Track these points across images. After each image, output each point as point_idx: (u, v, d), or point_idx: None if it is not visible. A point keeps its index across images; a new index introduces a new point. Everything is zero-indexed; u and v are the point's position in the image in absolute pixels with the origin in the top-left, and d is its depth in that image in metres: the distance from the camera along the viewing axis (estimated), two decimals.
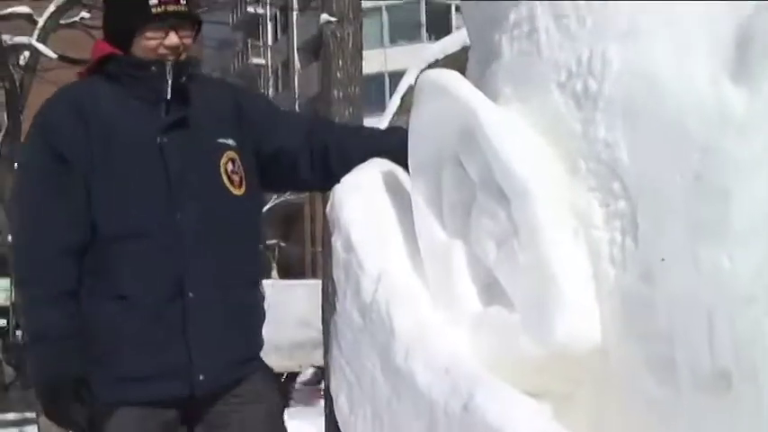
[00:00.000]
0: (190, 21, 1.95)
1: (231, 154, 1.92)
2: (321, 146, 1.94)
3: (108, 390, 1.80)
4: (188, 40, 1.93)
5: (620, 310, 1.02)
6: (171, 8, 1.88)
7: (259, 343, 1.99)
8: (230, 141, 1.93)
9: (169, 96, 1.89)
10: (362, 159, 1.61)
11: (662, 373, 0.96)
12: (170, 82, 1.88)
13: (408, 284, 1.29)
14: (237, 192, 1.91)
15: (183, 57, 1.93)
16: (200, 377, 1.82)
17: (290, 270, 24.62)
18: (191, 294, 1.82)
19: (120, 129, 1.86)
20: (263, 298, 2.00)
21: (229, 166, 1.91)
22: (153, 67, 1.88)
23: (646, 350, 0.99)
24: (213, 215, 1.87)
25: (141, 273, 1.80)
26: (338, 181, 1.54)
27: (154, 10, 1.86)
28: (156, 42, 1.89)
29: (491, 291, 1.18)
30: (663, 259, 0.96)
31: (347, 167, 1.65)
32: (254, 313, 1.96)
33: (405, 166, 1.55)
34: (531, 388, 1.09)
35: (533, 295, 1.07)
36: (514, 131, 1.13)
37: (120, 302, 1.81)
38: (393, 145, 1.65)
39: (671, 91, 1.01)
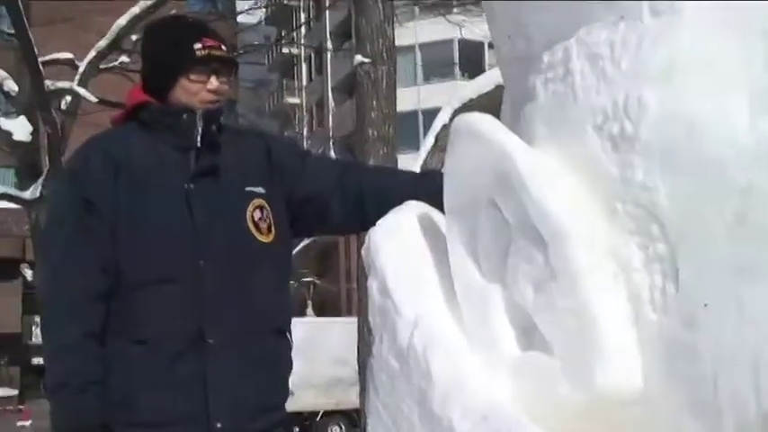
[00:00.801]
0: (230, 66, 1.99)
1: (259, 202, 1.93)
2: (355, 189, 1.94)
3: None
4: (225, 87, 1.97)
5: (662, 356, 1.00)
6: (215, 52, 1.92)
7: (283, 393, 1.97)
8: (259, 189, 1.94)
9: (199, 144, 1.91)
10: (398, 203, 1.61)
11: (706, 419, 0.94)
12: (200, 130, 1.91)
13: (445, 329, 1.28)
14: (264, 239, 1.91)
15: (220, 103, 1.96)
16: (218, 425, 1.81)
17: (326, 307, 24.63)
18: (210, 341, 1.82)
19: (148, 176, 1.89)
20: (290, 347, 1.98)
21: (256, 214, 1.92)
22: (184, 115, 1.91)
23: (689, 396, 0.96)
24: (238, 262, 1.87)
25: (163, 318, 1.82)
26: (372, 224, 1.54)
27: (198, 53, 1.90)
28: (199, 86, 1.92)
29: (529, 335, 1.17)
30: (705, 304, 0.94)
31: (382, 211, 1.65)
32: (279, 362, 1.94)
33: (440, 209, 1.55)
34: None
35: (573, 340, 1.05)
36: (550, 174, 1.13)
37: (141, 347, 1.82)
38: (429, 189, 1.66)
39: (709, 132, 1.00)
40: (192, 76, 1.91)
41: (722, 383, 0.92)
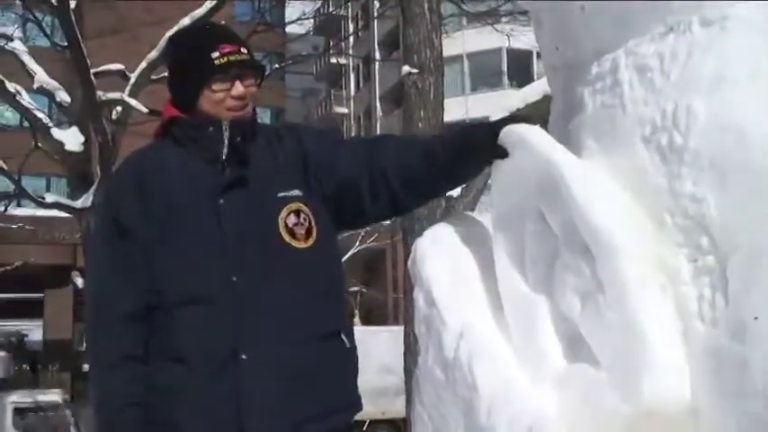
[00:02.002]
0: (253, 69, 1.95)
1: (295, 206, 1.88)
2: (379, 172, 1.90)
3: None
4: (253, 89, 1.93)
5: (711, 368, 0.99)
6: (234, 57, 1.88)
7: (339, 395, 1.92)
8: (294, 192, 1.89)
9: (224, 156, 1.89)
10: (419, 175, 1.62)
11: None
12: (226, 142, 1.89)
13: (491, 340, 1.28)
14: (301, 244, 1.86)
15: (248, 108, 1.94)
16: None
17: (372, 316, 24.61)
18: (243, 356, 1.79)
19: (180, 194, 1.87)
20: (346, 348, 1.93)
21: (291, 219, 1.86)
22: (210, 128, 1.90)
23: (739, 410, 0.95)
24: (271, 273, 1.83)
25: (198, 337, 1.80)
26: (404, 205, 1.53)
27: (217, 62, 1.87)
28: (223, 94, 1.89)
29: (576, 346, 1.16)
30: (756, 317, 0.93)
31: (408, 188, 1.65)
32: (330, 366, 1.90)
33: (461, 172, 1.57)
34: None
35: (621, 352, 1.04)
36: (598, 186, 1.13)
37: (179, 366, 1.81)
38: (442, 153, 1.68)
39: (759, 142, 0.99)
40: (215, 86, 1.87)
41: None
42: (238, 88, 1.90)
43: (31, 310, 23.56)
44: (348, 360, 1.91)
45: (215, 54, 1.88)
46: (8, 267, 19.54)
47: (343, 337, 1.90)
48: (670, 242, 1.05)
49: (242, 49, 1.92)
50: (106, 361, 1.86)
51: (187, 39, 2.05)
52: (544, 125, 1.41)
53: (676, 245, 1.04)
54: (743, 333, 0.95)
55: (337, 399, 1.89)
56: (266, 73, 2.08)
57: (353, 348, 1.92)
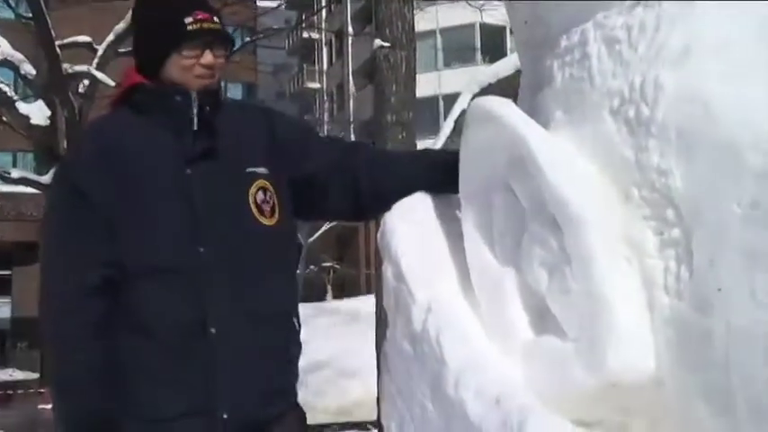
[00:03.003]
0: (224, 40, 1.93)
1: (262, 183, 1.86)
2: (350, 175, 1.89)
3: (136, 429, 1.78)
4: (221, 60, 1.90)
5: (675, 340, 1.00)
6: (206, 25, 1.85)
7: (291, 378, 1.92)
8: (261, 170, 1.87)
9: (196, 127, 1.86)
10: (392, 189, 1.60)
11: (718, 404, 0.94)
12: (195, 111, 1.86)
13: (459, 313, 1.28)
14: (268, 222, 1.85)
15: (215, 78, 1.91)
16: (224, 416, 1.77)
17: (345, 292, 24.68)
18: (213, 330, 1.77)
19: (145, 163, 1.83)
20: (297, 331, 1.93)
21: (259, 196, 1.85)
22: (178, 97, 1.86)
23: (701, 380, 0.96)
24: (240, 247, 1.82)
25: (165, 309, 1.76)
26: (368, 213, 1.53)
27: (190, 27, 1.83)
28: (192, 61, 1.85)
29: (543, 319, 1.17)
30: (719, 289, 0.94)
31: (376, 199, 1.63)
32: (288, 346, 1.90)
33: (436, 190, 1.55)
34: (584, 418, 1.07)
35: (587, 324, 1.05)
36: (566, 159, 1.12)
37: (144, 339, 1.77)
38: (421, 171, 1.66)
39: (725, 116, 0.99)
40: (185, 52, 1.83)
41: (735, 368, 0.92)
42: (208, 57, 1.87)
43: None
44: (298, 343, 1.92)
45: (188, 19, 1.85)
46: None
47: (295, 320, 1.91)
48: (636, 215, 1.05)
49: (215, 18, 1.89)
50: (65, 336, 1.80)
51: (159, 2, 2.01)
52: (515, 99, 1.41)
53: (643, 218, 1.05)
54: (707, 305, 0.96)
55: (291, 379, 1.90)
56: (237, 47, 2.06)
57: (300, 332, 1.93)
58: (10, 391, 14.63)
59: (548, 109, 1.26)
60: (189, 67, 1.85)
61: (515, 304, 1.22)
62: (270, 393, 1.81)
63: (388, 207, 1.59)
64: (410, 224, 1.45)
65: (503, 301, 1.23)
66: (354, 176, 1.86)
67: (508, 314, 1.22)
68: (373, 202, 1.71)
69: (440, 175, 1.55)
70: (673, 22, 1.10)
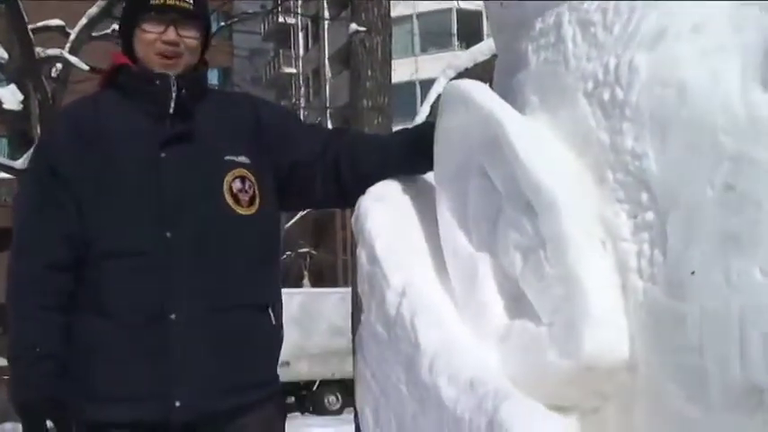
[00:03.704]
0: (195, 21, 1.89)
1: (240, 171, 1.83)
2: (332, 161, 1.87)
3: (88, 409, 1.76)
4: (190, 41, 1.86)
5: (649, 324, 1.00)
6: (171, 2, 1.83)
7: (263, 372, 1.87)
8: (241, 159, 1.84)
9: (172, 111, 1.84)
10: (372, 170, 1.59)
11: (692, 387, 0.94)
12: (174, 96, 1.84)
13: (434, 297, 1.27)
14: (243, 211, 1.82)
15: (184, 59, 1.88)
16: (177, 403, 1.74)
17: (322, 278, 24.67)
18: (172, 316, 1.74)
19: (119, 144, 1.81)
20: (272, 323, 1.90)
21: (236, 185, 1.82)
22: (157, 81, 1.84)
23: (675, 364, 0.96)
24: (209, 234, 1.78)
25: (126, 291, 1.74)
26: (352, 198, 1.51)
27: (153, 2, 1.82)
28: (154, 36, 1.83)
29: (518, 303, 1.17)
30: (693, 272, 0.94)
31: (358, 181, 1.62)
32: (257, 339, 1.86)
33: (417, 166, 1.54)
34: (558, 402, 1.07)
35: (561, 308, 1.05)
36: (541, 142, 1.12)
37: (103, 320, 1.75)
38: (399, 149, 1.66)
39: (699, 99, 0.99)
40: (146, 26, 1.82)
41: (708, 351, 0.92)
42: (170, 34, 1.84)
43: None
44: (272, 336, 1.89)
45: None
46: None
47: (271, 312, 1.88)
48: (611, 198, 1.05)
49: None
50: (23, 311, 1.79)
51: None
52: (490, 83, 1.40)
53: (617, 201, 1.04)
54: (680, 289, 0.96)
55: (259, 373, 1.87)
56: (213, 31, 2.03)
57: (279, 327, 1.90)
58: None
59: (523, 93, 1.26)
60: (150, 43, 1.83)
61: (490, 288, 1.21)
62: (231, 386, 1.78)
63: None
64: (385, 207, 1.45)
65: (477, 285, 1.22)
66: (336, 161, 1.85)
67: (482, 298, 1.22)
68: (356, 185, 1.71)
69: (419, 150, 1.54)
70: (647, 4, 1.09)
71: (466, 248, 1.26)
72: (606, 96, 1.07)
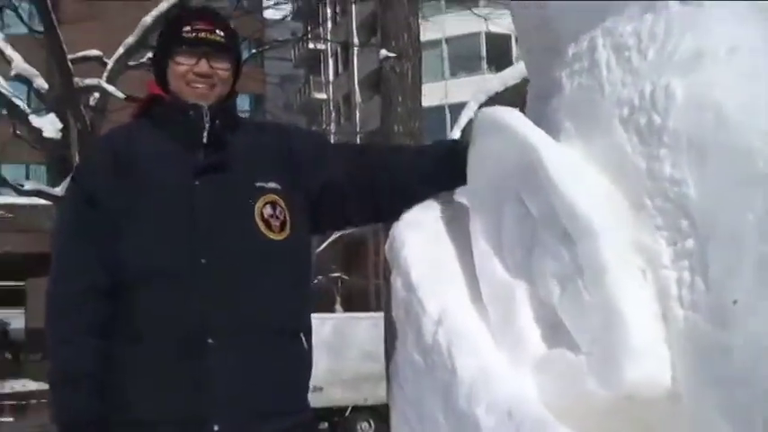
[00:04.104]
0: (226, 53, 1.93)
1: (271, 197, 1.86)
2: (366, 174, 1.89)
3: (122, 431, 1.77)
4: (222, 72, 1.90)
5: (692, 353, 0.98)
6: (203, 35, 1.86)
7: (296, 397, 1.89)
8: (272, 185, 1.87)
9: (206, 140, 1.87)
10: (408, 185, 1.60)
11: (738, 420, 0.92)
12: (207, 126, 1.87)
13: (470, 324, 1.26)
14: (275, 236, 1.83)
15: (216, 90, 1.91)
16: (215, 427, 1.75)
17: (354, 302, 24.62)
18: (210, 341, 1.76)
19: (153, 172, 1.84)
20: (305, 348, 1.90)
21: (267, 210, 1.84)
22: (190, 112, 1.87)
23: (720, 396, 0.94)
24: (243, 260, 1.80)
25: (162, 316, 1.76)
26: (387, 213, 1.52)
27: (185, 35, 1.86)
28: (186, 68, 1.87)
29: (555, 331, 1.15)
30: (735, 301, 0.92)
31: (394, 196, 1.63)
32: (291, 365, 1.87)
33: (451, 179, 1.55)
34: None
35: (600, 337, 1.03)
36: (577, 169, 1.11)
37: (140, 345, 1.77)
38: (433, 161, 1.67)
39: (737, 122, 0.97)
40: (179, 59, 1.86)
41: (755, 385, 0.90)
42: (203, 66, 1.87)
43: (13, 298, 23.42)
44: (304, 362, 1.90)
45: (186, 28, 1.88)
46: None
47: (302, 337, 1.88)
48: (649, 225, 1.04)
49: (218, 31, 1.89)
50: (62, 336, 1.81)
51: (173, 16, 2.03)
52: (522, 108, 1.40)
53: (656, 228, 1.03)
54: (723, 318, 0.94)
55: (292, 400, 1.87)
56: (243, 59, 2.05)
57: (310, 350, 1.90)
58: (23, 402, 14.67)
59: (557, 118, 1.25)
60: (183, 74, 1.86)
61: (526, 316, 1.20)
62: (268, 411, 1.79)
63: (406, 202, 1.60)
64: (419, 234, 1.44)
65: (514, 312, 1.21)
66: (371, 177, 1.87)
67: (519, 326, 1.20)
68: (392, 199, 1.70)
69: (455, 166, 1.53)
70: (682, 27, 1.08)
71: (501, 275, 1.25)
72: (642, 122, 1.06)
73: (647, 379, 0.99)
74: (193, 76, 1.87)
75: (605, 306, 1.02)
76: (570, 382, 1.07)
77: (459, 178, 1.46)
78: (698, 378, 0.97)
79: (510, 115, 1.21)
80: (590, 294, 1.05)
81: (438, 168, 1.65)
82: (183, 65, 1.86)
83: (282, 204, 1.85)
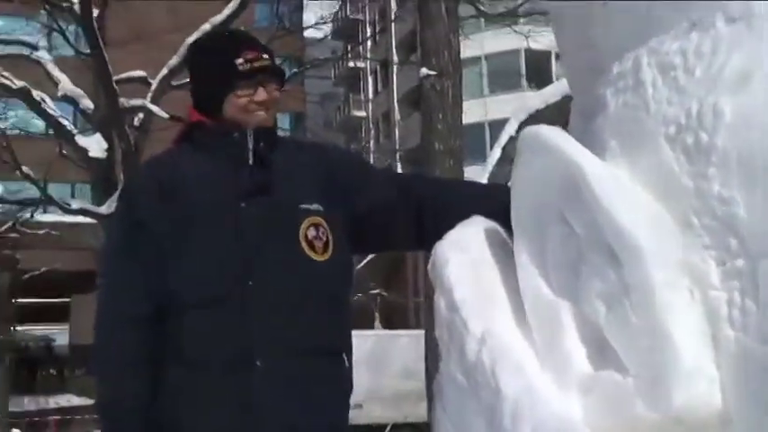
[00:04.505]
0: (277, 76, 1.97)
1: (314, 219, 1.87)
2: (415, 204, 1.90)
3: None
4: (275, 94, 1.95)
5: (743, 376, 0.96)
6: (257, 64, 1.90)
7: (338, 416, 1.91)
8: (315, 206, 1.88)
9: (251, 162, 1.89)
10: (459, 218, 1.58)
11: None
12: (251, 148, 1.89)
13: (514, 345, 1.25)
14: (318, 257, 1.85)
15: (271, 112, 1.94)
16: None
17: (393, 319, 24.58)
18: (258, 363, 1.78)
19: (200, 196, 1.87)
20: (347, 368, 1.92)
21: (311, 232, 1.86)
22: (235, 134, 1.90)
23: None
24: (288, 282, 1.82)
25: (211, 339, 1.78)
26: (432, 240, 1.51)
27: (241, 68, 1.89)
28: (247, 100, 1.90)
29: (601, 352, 1.14)
30: None
31: (441, 226, 1.62)
32: (334, 384, 1.88)
33: (504, 224, 1.52)
34: None
35: (649, 359, 1.02)
36: (622, 188, 1.10)
37: (188, 369, 1.79)
38: (492, 206, 1.59)
39: None
40: (239, 92, 1.89)
41: None
42: (261, 94, 1.91)
43: (58, 314, 23.82)
44: (347, 381, 1.91)
45: (239, 60, 1.90)
46: (35, 273, 19.75)
47: (345, 356, 1.90)
48: (697, 244, 1.02)
49: (264, 55, 1.93)
50: (111, 363, 1.84)
51: (210, 45, 2.07)
52: (565, 126, 1.39)
53: (704, 247, 1.02)
54: None
55: (336, 418, 1.88)
56: (286, 77, 2.09)
57: (351, 369, 1.92)
58: (68, 417, 14.89)
59: (601, 137, 1.24)
60: (244, 106, 1.90)
61: (572, 336, 1.19)
62: (314, 430, 1.80)
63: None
64: (462, 254, 1.44)
65: (559, 332, 1.20)
66: (419, 205, 1.88)
67: (565, 346, 1.19)
68: (440, 232, 1.71)
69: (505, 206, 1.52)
70: (730, 46, 1.07)
71: (546, 295, 1.24)
72: (690, 141, 1.05)
73: (696, 402, 0.97)
74: (254, 106, 1.90)
75: (653, 327, 1.01)
76: (617, 404, 1.05)
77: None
78: (748, 401, 0.95)
79: (554, 134, 1.20)
80: (637, 315, 1.03)
81: (489, 208, 1.60)
82: (243, 97, 1.90)
83: (325, 225, 1.87)
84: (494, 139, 9.54)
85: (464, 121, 5.84)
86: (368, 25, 32.38)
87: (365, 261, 22.71)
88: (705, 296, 1.00)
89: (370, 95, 38.29)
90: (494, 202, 1.60)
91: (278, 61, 2.23)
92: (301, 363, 1.78)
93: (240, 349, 1.76)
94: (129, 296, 1.82)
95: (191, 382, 1.77)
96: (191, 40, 9.94)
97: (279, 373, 1.76)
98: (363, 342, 13.73)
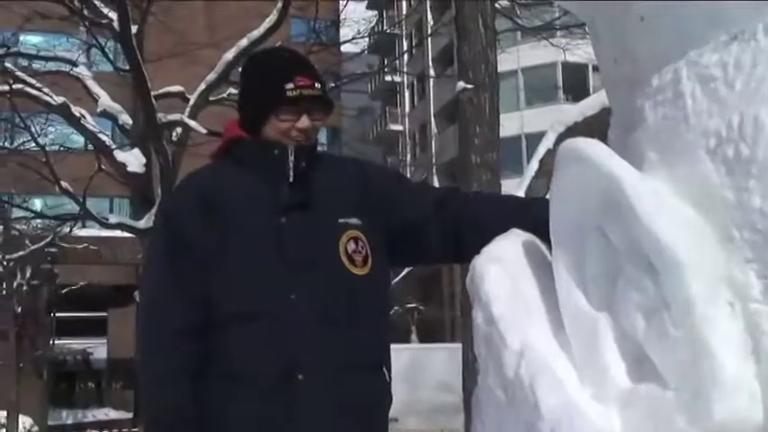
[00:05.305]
0: (324, 104, 1.97)
1: (354, 233, 1.89)
2: (453, 217, 1.90)
3: None
4: (319, 123, 1.96)
5: None
6: (306, 92, 1.91)
7: (381, 430, 1.91)
8: (354, 220, 1.90)
9: (291, 179, 1.91)
10: (497, 232, 1.57)
11: None
12: (292, 165, 1.91)
13: (553, 359, 1.25)
14: (358, 271, 1.87)
15: (311, 140, 1.96)
16: None
17: (430, 333, 24.51)
18: (301, 377, 1.79)
19: (241, 212, 1.88)
20: (387, 382, 1.92)
21: (350, 246, 1.87)
22: (276, 151, 1.91)
23: None
24: (330, 296, 1.83)
25: (254, 353, 1.80)
26: (470, 254, 1.51)
27: (289, 93, 1.90)
28: (289, 125, 1.92)
29: (641, 366, 1.13)
30: None
31: (478, 243, 1.62)
32: (375, 398, 1.89)
33: (543, 238, 1.51)
34: None
35: (689, 372, 1.01)
36: (661, 200, 1.10)
37: (232, 383, 1.80)
38: (531, 220, 1.58)
39: None
40: (282, 116, 1.90)
41: None
42: (304, 122, 1.93)
43: (96, 328, 24.15)
44: (387, 394, 1.92)
45: (289, 85, 1.91)
46: (73, 287, 20.05)
47: (384, 370, 1.91)
48: (738, 257, 1.01)
49: (316, 84, 1.94)
50: (158, 375, 1.86)
51: (265, 63, 2.08)
52: (602, 139, 1.39)
53: (745, 260, 1.01)
54: None
55: (380, 429, 1.89)
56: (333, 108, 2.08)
57: (390, 382, 1.93)
58: (105, 430, 15.07)
59: (641, 149, 1.24)
60: (286, 130, 1.92)
61: (611, 350, 1.18)
62: None
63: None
64: (500, 268, 1.44)
65: (597, 346, 1.19)
66: (457, 219, 1.88)
67: (603, 360, 1.18)
68: (478, 246, 1.72)
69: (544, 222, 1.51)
70: None
71: (584, 308, 1.24)
72: (730, 153, 1.04)
73: (737, 416, 0.96)
74: (296, 132, 1.92)
75: (693, 340, 1.00)
76: (657, 418, 1.05)
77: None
78: None
79: (592, 146, 1.20)
80: (676, 328, 1.03)
81: (526, 222, 1.59)
82: (286, 122, 1.92)
83: (364, 239, 1.89)
84: (531, 152, 9.50)
85: (501, 135, 5.83)
86: (404, 39, 32.48)
87: (402, 275, 22.70)
88: (746, 309, 0.99)
89: (407, 109, 38.36)
90: (531, 216, 1.60)
91: None
92: (344, 377, 1.79)
93: (283, 363, 1.77)
94: (173, 312, 1.84)
95: (235, 396, 1.79)
96: (228, 55, 10.06)
97: (321, 387, 1.77)
98: (400, 355, 13.72)
